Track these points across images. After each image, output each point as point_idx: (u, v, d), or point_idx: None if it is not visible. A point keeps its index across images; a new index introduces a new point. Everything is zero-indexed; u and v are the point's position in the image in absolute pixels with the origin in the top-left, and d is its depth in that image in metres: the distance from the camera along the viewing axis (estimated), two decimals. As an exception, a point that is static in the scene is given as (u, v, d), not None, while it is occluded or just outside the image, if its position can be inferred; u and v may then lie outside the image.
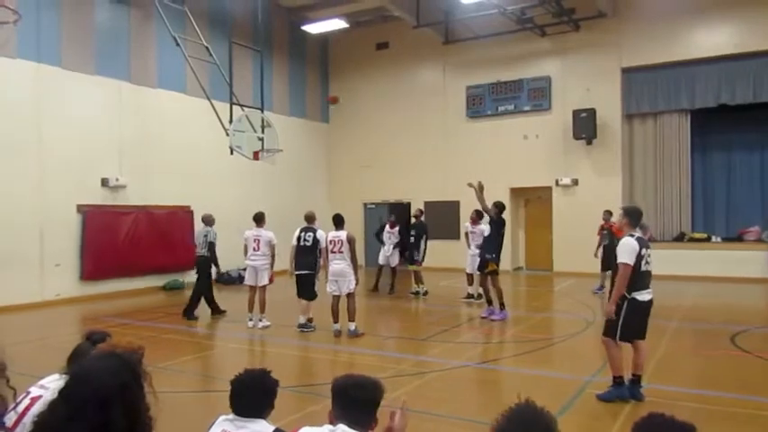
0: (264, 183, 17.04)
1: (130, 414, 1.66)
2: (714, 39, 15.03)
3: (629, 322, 5.58)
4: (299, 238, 9.47)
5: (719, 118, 15.72)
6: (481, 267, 10.44)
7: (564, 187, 16.77)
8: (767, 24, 14.27)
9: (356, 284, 9.03)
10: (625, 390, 5.67)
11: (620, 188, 16.11)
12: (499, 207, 10.44)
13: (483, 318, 10.24)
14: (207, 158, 15.27)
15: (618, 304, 5.57)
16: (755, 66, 14.72)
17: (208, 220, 11.11)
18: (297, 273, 9.49)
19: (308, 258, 9.38)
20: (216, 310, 11.00)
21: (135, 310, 11.72)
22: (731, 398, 5.74)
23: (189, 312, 10.69)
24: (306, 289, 9.44)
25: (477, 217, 11.80)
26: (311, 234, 9.40)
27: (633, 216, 5.84)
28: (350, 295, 8.95)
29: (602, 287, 12.71)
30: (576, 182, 16.61)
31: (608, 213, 13.08)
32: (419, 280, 12.96)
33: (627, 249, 5.55)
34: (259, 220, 10.14)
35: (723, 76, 15.13)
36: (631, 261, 5.50)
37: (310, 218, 9.68)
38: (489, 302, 10.37)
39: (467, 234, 12.16)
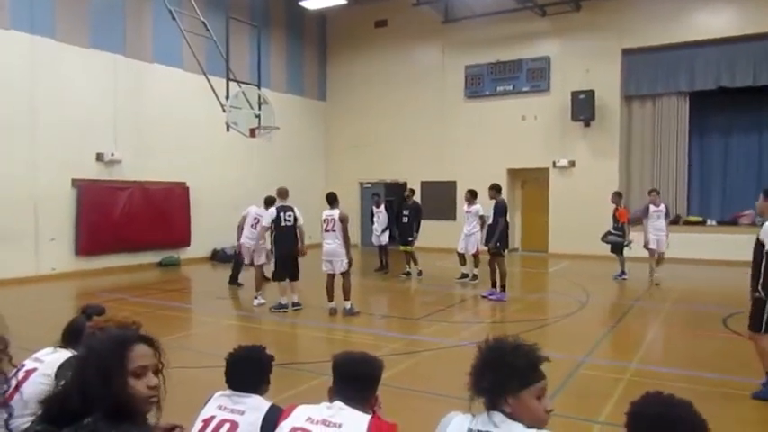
0: (261, 160, 16.96)
1: (78, 383, 1.70)
2: (715, 21, 14.91)
3: None
4: (278, 218, 9.29)
5: (718, 101, 15.64)
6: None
7: (561, 169, 16.74)
8: (767, 7, 14.17)
9: (349, 264, 8.97)
10: None
11: (617, 170, 16.10)
12: (495, 189, 10.40)
13: (483, 297, 10.28)
14: (203, 135, 15.16)
15: (760, 298, 5.04)
16: (756, 49, 14.61)
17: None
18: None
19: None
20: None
21: (130, 286, 11.73)
22: (721, 378, 5.80)
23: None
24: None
25: (471, 196, 11.82)
26: (291, 213, 9.32)
27: None
28: (344, 274, 8.94)
29: (623, 272, 12.23)
30: (573, 164, 16.58)
31: (617, 196, 12.54)
32: (414, 260, 12.95)
33: None
34: (269, 204, 10.08)
35: (723, 59, 15.03)
36: None
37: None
38: (493, 284, 10.36)
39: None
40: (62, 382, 1.75)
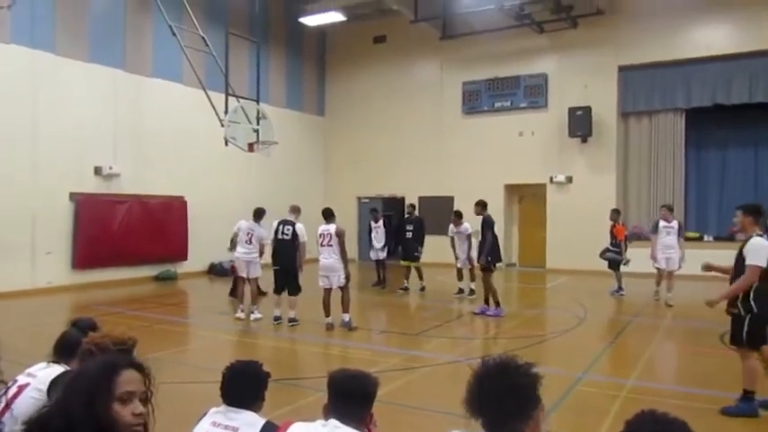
0: (259, 175, 16.98)
1: (63, 404, 1.70)
2: (711, 38, 15.04)
3: (754, 329, 5.18)
4: (276, 231, 9.44)
5: (714, 117, 15.74)
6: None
7: (558, 184, 16.79)
8: (764, 24, 14.29)
9: (347, 279, 8.95)
10: (756, 405, 5.22)
11: (614, 186, 16.15)
12: (482, 205, 10.40)
13: (475, 314, 10.25)
14: (202, 149, 15.19)
15: (739, 314, 5.20)
16: (752, 66, 14.73)
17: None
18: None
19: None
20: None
21: (127, 300, 11.69)
22: (717, 395, 5.76)
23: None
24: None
25: (457, 218, 11.89)
26: (290, 227, 9.38)
27: (756, 213, 5.29)
28: (343, 288, 8.94)
29: (620, 288, 12.17)
30: (570, 179, 16.63)
31: (615, 213, 12.48)
32: (420, 275, 12.93)
33: (761, 250, 5.07)
34: (258, 215, 10.12)
35: (719, 76, 15.15)
36: (764, 263, 5.05)
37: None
38: (486, 300, 10.31)
39: (452, 238, 12.14)
40: (48, 403, 1.73)
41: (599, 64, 16.14)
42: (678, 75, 15.66)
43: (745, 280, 5.12)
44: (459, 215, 11.97)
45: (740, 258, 5.26)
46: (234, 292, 11.56)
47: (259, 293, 10.71)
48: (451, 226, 12.10)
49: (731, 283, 5.36)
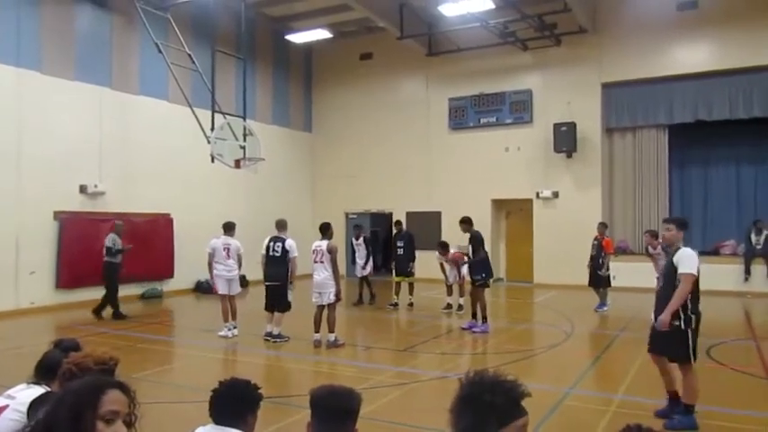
0: (246, 191, 16.94)
1: (48, 422, 1.70)
2: (692, 56, 15.31)
3: (695, 342, 5.29)
4: (267, 248, 9.38)
5: (697, 133, 15.97)
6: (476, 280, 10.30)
7: (544, 200, 16.90)
8: (744, 43, 14.57)
9: (338, 297, 8.88)
10: (695, 419, 5.27)
11: (599, 201, 16.27)
12: (467, 222, 10.40)
13: (463, 329, 10.24)
14: (188, 166, 15.12)
15: (680, 328, 5.24)
16: (732, 83, 15.00)
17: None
18: (267, 283, 9.40)
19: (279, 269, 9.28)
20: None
21: (111, 319, 11.51)
22: (705, 410, 5.78)
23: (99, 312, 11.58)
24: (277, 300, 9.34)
25: (443, 249, 11.88)
26: (280, 244, 9.30)
27: (684, 227, 5.62)
28: (330, 306, 8.88)
29: (603, 304, 12.14)
30: (556, 194, 16.75)
31: (603, 226, 12.61)
32: (410, 290, 12.90)
33: (694, 259, 5.30)
34: (230, 228, 10.04)
35: (701, 93, 15.39)
36: (696, 271, 5.24)
37: (281, 225, 9.57)
38: (473, 315, 10.30)
39: (441, 264, 12.11)
40: (32, 422, 1.72)
41: (583, 81, 16.35)
42: (660, 91, 15.88)
43: (683, 290, 5.18)
44: (444, 246, 11.87)
45: (672, 269, 5.33)
46: (99, 311, 11.57)
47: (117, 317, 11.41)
48: (437, 254, 12.05)
49: (658, 296, 5.49)
